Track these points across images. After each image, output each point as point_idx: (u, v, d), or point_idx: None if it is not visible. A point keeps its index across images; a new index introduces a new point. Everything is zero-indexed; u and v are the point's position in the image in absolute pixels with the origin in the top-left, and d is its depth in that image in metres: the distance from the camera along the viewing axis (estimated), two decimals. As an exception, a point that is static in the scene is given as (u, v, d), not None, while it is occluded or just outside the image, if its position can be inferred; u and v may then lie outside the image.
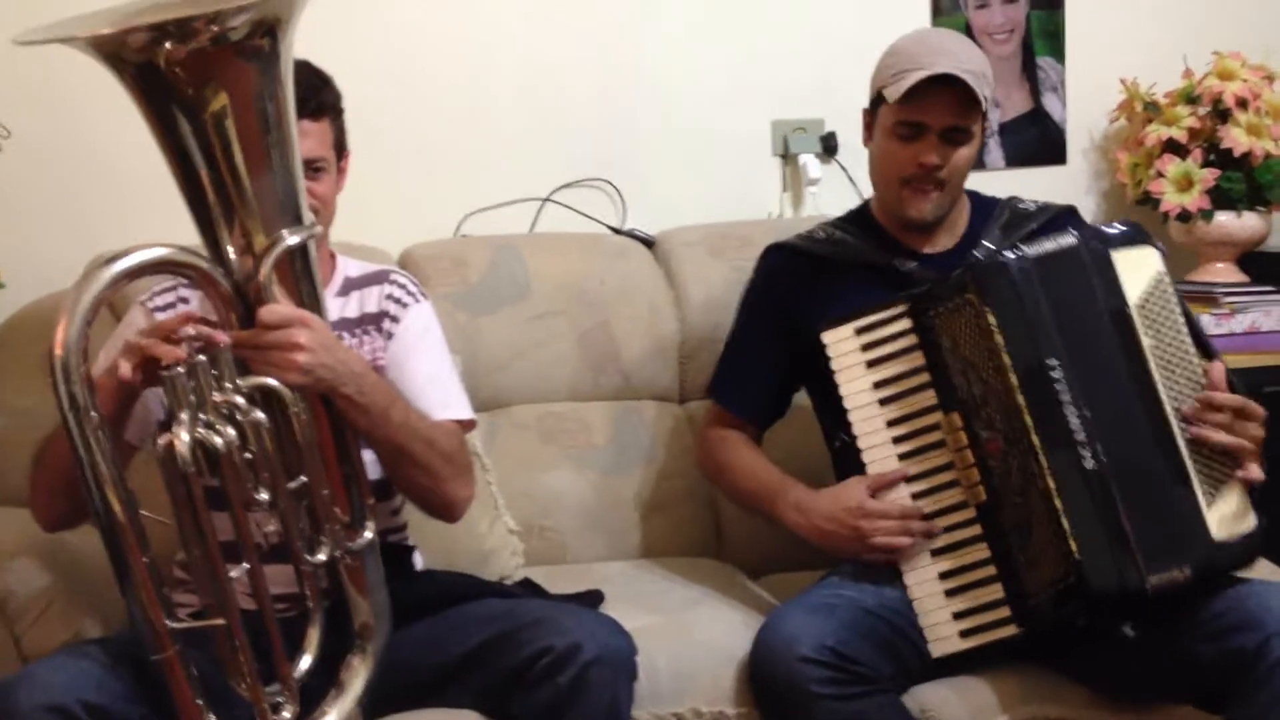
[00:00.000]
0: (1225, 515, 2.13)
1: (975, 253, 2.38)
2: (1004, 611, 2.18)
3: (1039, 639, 2.20)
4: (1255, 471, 2.16)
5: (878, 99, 2.40)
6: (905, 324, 2.26)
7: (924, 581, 2.22)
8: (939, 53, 2.33)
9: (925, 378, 2.25)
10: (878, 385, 2.27)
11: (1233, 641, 2.06)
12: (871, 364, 2.28)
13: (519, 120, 3.11)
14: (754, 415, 2.53)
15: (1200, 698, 2.17)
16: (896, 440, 2.26)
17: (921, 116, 2.34)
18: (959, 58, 2.33)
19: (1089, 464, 2.12)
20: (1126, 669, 2.19)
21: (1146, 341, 2.16)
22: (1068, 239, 2.20)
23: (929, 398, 2.24)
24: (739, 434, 2.51)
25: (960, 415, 2.20)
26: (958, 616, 2.20)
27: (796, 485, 2.37)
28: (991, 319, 2.16)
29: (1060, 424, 2.12)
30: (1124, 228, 2.25)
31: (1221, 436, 2.13)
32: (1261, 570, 2.32)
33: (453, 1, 3.07)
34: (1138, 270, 2.19)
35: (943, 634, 2.20)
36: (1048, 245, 2.20)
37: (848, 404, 2.29)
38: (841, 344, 2.29)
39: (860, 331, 2.29)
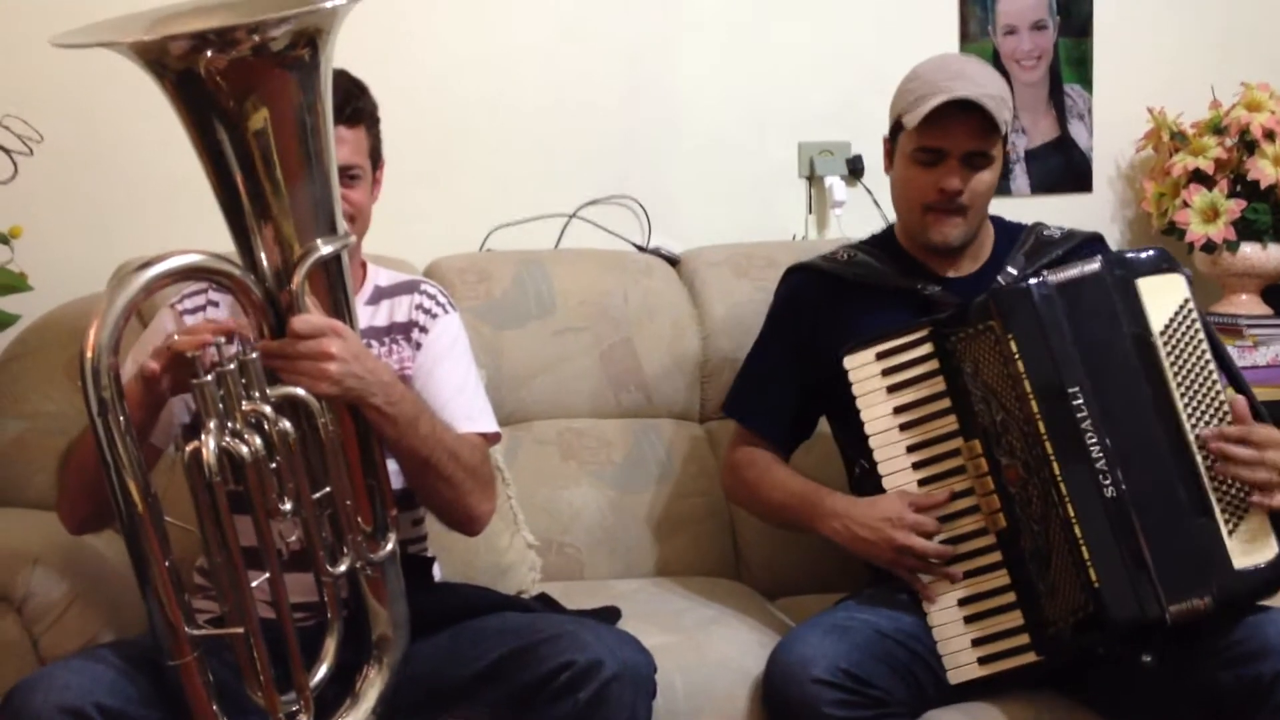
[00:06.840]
0: (1247, 543, 2.13)
1: (999, 279, 2.38)
2: (1023, 639, 2.18)
3: (1057, 666, 2.19)
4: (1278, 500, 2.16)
5: (897, 125, 2.40)
6: (927, 349, 2.26)
7: (943, 608, 2.21)
8: (957, 77, 2.32)
9: (946, 403, 2.24)
10: (898, 410, 2.26)
11: (1250, 669, 2.06)
12: (892, 389, 2.27)
13: (546, 137, 3.12)
14: (779, 435, 2.51)
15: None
16: (916, 466, 2.26)
17: (941, 142, 2.33)
18: (977, 82, 2.32)
19: (1109, 492, 2.11)
20: (1143, 696, 2.18)
21: (1170, 369, 2.14)
22: (1092, 265, 2.18)
23: (950, 423, 2.24)
24: (766, 452, 2.49)
25: (980, 442, 2.20)
26: (976, 643, 2.19)
27: (834, 493, 2.35)
28: (1013, 345, 2.15)
29: (1081, 452, 2.12)
30: (1151, 253, 2.22)
31: (1245, 472, 2.12)
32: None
33: (483, 19, 3.09)
34: (1163, 297, 2.17)
35: (961, 661, 2.19)
36: (1071, 272, 2.19)
37: (868, 429, 2.28)
38: (863, 369, 2.29)
39: (881, 356, 2.28)
